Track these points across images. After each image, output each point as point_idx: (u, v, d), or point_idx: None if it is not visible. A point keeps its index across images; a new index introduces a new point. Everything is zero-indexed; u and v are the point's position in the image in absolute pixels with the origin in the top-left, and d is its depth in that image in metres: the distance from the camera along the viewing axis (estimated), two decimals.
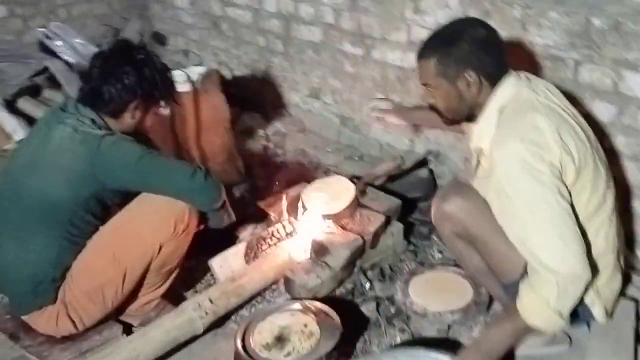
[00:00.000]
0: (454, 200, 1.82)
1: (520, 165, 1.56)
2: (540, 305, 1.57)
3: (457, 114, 1.78)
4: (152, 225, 1.89)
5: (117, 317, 2.06)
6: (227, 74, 3.95)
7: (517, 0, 2.26)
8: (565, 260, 1.54)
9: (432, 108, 1.82)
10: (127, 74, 1.88)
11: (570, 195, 1.61)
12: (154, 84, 1.94)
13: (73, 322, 1.90)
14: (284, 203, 2.44)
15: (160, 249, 1.91)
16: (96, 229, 1.92)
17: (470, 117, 1.79)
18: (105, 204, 1.91)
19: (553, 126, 1.59)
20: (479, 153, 1.77)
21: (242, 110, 3.61)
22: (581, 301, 1.67)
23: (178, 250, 1.97)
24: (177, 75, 2.80)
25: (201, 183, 1.91)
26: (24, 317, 1.93)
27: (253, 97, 3.74)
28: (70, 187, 1.81)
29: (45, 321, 1.90)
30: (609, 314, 1.81)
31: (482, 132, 1.74)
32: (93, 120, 1.87)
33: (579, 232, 1.58)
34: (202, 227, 2.06)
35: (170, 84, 2.04)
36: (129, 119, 1.95)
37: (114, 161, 1.82)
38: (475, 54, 1.66)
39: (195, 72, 2.90)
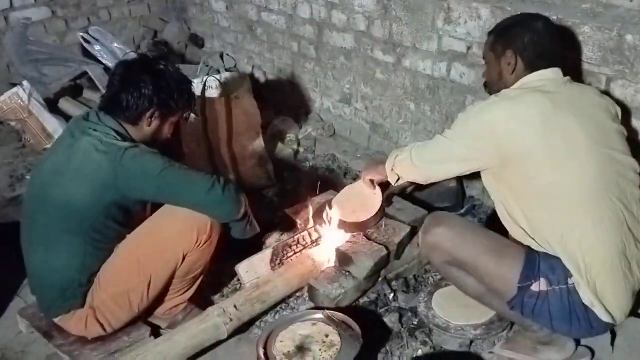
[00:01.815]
0: (435, 231, 1.92)
1: (481, 105, 1.84)
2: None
3: (493, 88, 1.97)
4: (176, 235, 1.94)
5: (146, 318, 2.13)
6: (261, 78, 4.00)
7: (550, 13, 2.22)
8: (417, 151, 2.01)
9: (485, 85, 2.09)
10: (145, 83, 1.92)
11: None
12: (171, 94, 1.98)
13: (102, 325, 1.98)
14: (311, 211, 2.47)
15: (184, 258, 1.96)
16: (120, 235, 1.98)
17: None
18: (128, 211, 1.96)
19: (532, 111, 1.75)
20: None
21: (274, 114, 3.65)
22: (582, 303, 1.72)
23: (202, 259, 2.03)
24: (210, 81, 2.87)
25: (218, 196, 1.92)
26: (55, 320, 2.02)
27: (285, 101, 3.79)
28: (93, 195, 1.86)
29: (75, 324, 1.98)
30: (615, 319, 1.76)
31: None
32: (116, 131, 1.91)
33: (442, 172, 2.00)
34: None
35: (188, 95, 2.06)
36: (146, 126, 1.98)
37: (136, 174, 1.87)
38: (523, 39, 1.86)
39: (227, 77, 2.95)
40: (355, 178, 3.10)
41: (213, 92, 2.88)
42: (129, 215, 1.97)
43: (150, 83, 1.93)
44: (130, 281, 1.95)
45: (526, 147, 1.72)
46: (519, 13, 2.03)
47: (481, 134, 1.80)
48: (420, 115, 2.98)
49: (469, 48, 2.60)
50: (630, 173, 1.79)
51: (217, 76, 2.88)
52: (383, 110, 3.19)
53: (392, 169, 2.11)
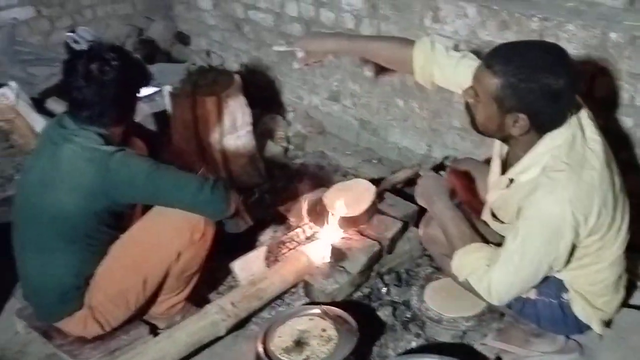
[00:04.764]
0: (436, 224, 1.92)
1: (552, 220, 1.56)
2: (466, 264, 1.75)
3: (487, 133, 1.71)
4: (169, 234, 1.97)
5: (140, 317, 2.14)
6: (248, 76, 4.01)
7: (535, 12, 2.29)
8: (498, 290, 1.67)
9: (467, 107, 1.69)
10: (104, 81, 1.84)
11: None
12: (139, 81, 1.98)
13: (100, 324, 2.00)
14: (304, 207, 2.50)
15: (178, 256, 1.99)
16: (113, 237, 1.99)
17: (502, 140, 1.76)
18: (119, 214, 1.98)
19: (595, 199, 1.58)
20: (509, 181, 1.74)
21: (262, 112, 3.67)
22: (574, 316, 1.77)
23: (196, 257, 2.05)
24: (200, 80, 2.90)
25: (207, 196, 1.93)
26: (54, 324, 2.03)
27: (273, 99, 3.81)
28: (83, 204, 1.85)
29: (74, 325, 2.00)
30: (608, 325, 1.86)
31: (525, 169, 1.66)
32: (97, 134, 1.87)
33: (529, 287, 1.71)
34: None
35: (147, 76, 2.03)
36: (122, 120, 1.97)
37: (123, 179, 1.86)
38: (541, 103, 1.53)
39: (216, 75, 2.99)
40: (346, 174, 3.15)
41: (202, 91, 2.91)
42: (120, 218, 1.99)
43: (116, 77, 1.85)
44: (126, 281, 1.97)
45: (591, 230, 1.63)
46: (533, 47, 1.63)
47: (560, 237, 1.60)
48: (408, 112, 3.03)
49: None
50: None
51: (207, 75, 2.90)
52: (371, 107, 3.23)
53: (459, 274, 1.81)
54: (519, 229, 1.62)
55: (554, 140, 1.60)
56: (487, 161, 2.05)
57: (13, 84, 3.35)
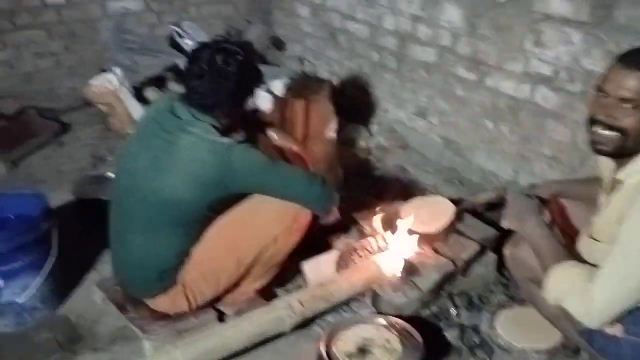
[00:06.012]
0: (525, 246, 1.85)
1: None
2: (562, 288, 1.65)
3: (638, 143, 1.59)
4: (271, 220, 2.05)
5: (212, 304, 2.20)
6: (337, 84, 4.05)
7: None
8: (600, 305, 1.57)
9: (613, 128, 1.59)
10: (231, 72, 1.91)
11: None
12: (255, 78, 2.04)
13: (188, 300, 2.07)
14: (380, 217, 2.49)
15: (274, 241, 2.07)
16: (213, 219, 2.06)
17: (629, 154, 1.64)
18: (226, 201, 2.06)
19: None
20: (616, 185, 1.68)
21: (347, 121, 3.70)
22: None
23: (288, 244, 2.12)
24: (262, 95, 2.96)
25: (318, 192, 2.07)
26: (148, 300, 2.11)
27: (359, 109, 3.83)
28: (199, 193, 1.92)
29: (164, 301, 2.07)
30: None
31: (637, 168, 1.62)
32: (213, 126, 1.93)
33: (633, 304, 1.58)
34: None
35: (260, 76, 2.10)
36: (233, 115, 2.01)
37: (243, 172, 1.93)
38: None
39: (278, 85, 3.04)
40: (424, 191, 3.10)
41: (264, 104, 2.97)
42: (225, 204, 2.07)
43: (237, 71, 1.93)
44: (222, 260, 2.05)
45: None
46: None
47: None
48: (497, 135, 2.96)
49: (556, 72, 2.57)
50: None
51: (267, 86, 2.96)
52: (459, 126, 3.18)
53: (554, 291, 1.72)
54: (621, 237, 1.54)
55: None
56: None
57: (118, 70, 3.56)
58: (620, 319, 1.64)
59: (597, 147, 1.64)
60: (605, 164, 1.77)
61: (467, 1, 2.93)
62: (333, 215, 2.23)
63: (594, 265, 1.65)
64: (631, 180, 1.61)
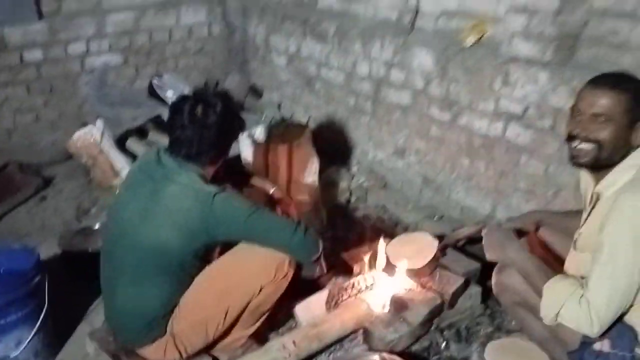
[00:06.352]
0: (511, 271, 1.94)
1: (635, 215, 1.63)
2: (558, 301, 1.73)
3: (613, 154, 1.75)
4: (256, 269, 2.07)
5: (207, 350, 2.21)
6: (315, 129, 4.16)
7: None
8: (599, 309, 1.66)
9: (589, 140, 1.76)
10: (213, 121, 1.99)
11: None
12: (236, 126, 2.11)
13: (179, 351, 2.08)
14: (367, 256, 2.55)
15: (260, 291, 2.08)
16: (201, 268, 2.09)
17: (608, 165, 1.79)
18: (211, 248, 2.10)
19: None
20: (597, 198, 1.81)
21: (327, 164, 3.79)
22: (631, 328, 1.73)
23: (275, 293, 2.13)
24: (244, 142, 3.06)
25: (301, 239, 2.08)
26: (137, 349, 2.11)
27: (338, 152, 3.92)
28: (185, 240, 1.97)
29: (154, 351, 2.08)
30: None
31: (613, 181, 1.76)
32: (197, 174, 2.00)
33: (627, 304, 1.68)
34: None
35: (242, 123, 2.18)
36: (216, 164, 2.09)
37: (226, 219, 1.98)
38: None
39: (259, 131, 3.14)
40: (406, 229, 3.19)
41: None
42: (211, 251, 2.11)
43: (217, 120, 2.01)
44: (210, 310, 2.06)
45: None
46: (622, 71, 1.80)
47: None
48: (473, 171, 3.08)
49: (525, 110, 2.71)
50: None
51: (248, 133, 3.06)
52: (436, 164, 3.30)
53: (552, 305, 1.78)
54: (604, 241, 1.66)
55: None
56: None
57: (99, 123, 3.60)
58: (606, 333, 1.71)
59: (576, 160, 1.81)
60: (586, 181, 1.92)
61: (437, 46, 3.09)
62: (319, 270, 2.24)
63: (583, 278, 1.75)
64: (607, 192, 1.76)
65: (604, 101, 1.72)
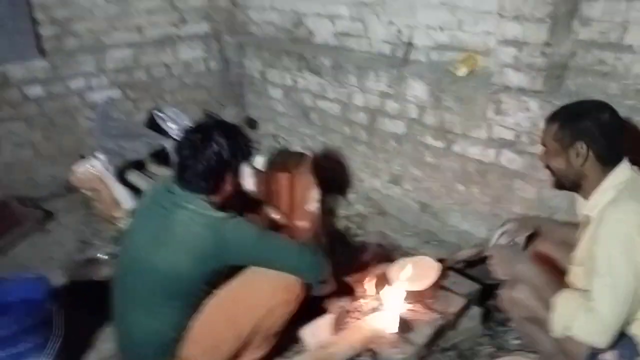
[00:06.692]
0: (522, 287, 2.00)
1: (621, 227, 1.76)
2: (568, 314, 1.82)
3: (563, 178, 1.98)
4: (266, 292, 2.13)
5: None
6: (313, 158, 4.25)
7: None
8: (606, 317, 1.75)
9: (548, 169, 2.03)
10: (216, 150, 2.05)
11: None
12: (241, 153, 2.15)
13: None
14: (371, 279, 2.62)
15: (270, 314, 2.14)
16: (210, 293, 2.15)
17: (577, 187, 1.98)
18: (221, 274, 2.16)
19: None
20: (587, 221, 1.94)
21: (325, 192, 3.87)
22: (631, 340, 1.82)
23: (284, 315, 2.19)
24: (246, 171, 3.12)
25: (310, 261, 2.17)
26: None
27: (335, 180, 4.01)
28: (196, 265, 2.03)
29: None
30: None
31: (596, 204, 1.91)
32: (204, 200, 2.06)
33: (628, 311, 1.77)
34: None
35: (249, 147, 2.22)
36: (226, 189, 2.14)
37: (236, 244, 2.06)
38: (593, 132, 1.87)
39: (260, 161, 3.25)
40: (405, 254, 3.26)
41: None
42: (220, 276, 2.16)
43: (218, 151, 2.06)
44: (221, 335, 2.11)
45: None
46: (579, 101, 2.02)
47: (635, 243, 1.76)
48: (469, 197, 3.18)
49: (517, 136, 2.83)
50: None
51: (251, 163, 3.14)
52: (432, 191, 3.39)
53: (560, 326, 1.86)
54: (597, 254, 1.79)
55: (617, 178, 1.89)
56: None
57: (101, 156, 3.67)
58: (613, 345, 1.79)
59: (552, 185, 2.06)
60: (580, 203, 2.06)
61: (431, 77, 3.22)
62: (329, 286, 2.32)
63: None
64: (593, 214, 1.91)
65: (543, 134, 2.00)
